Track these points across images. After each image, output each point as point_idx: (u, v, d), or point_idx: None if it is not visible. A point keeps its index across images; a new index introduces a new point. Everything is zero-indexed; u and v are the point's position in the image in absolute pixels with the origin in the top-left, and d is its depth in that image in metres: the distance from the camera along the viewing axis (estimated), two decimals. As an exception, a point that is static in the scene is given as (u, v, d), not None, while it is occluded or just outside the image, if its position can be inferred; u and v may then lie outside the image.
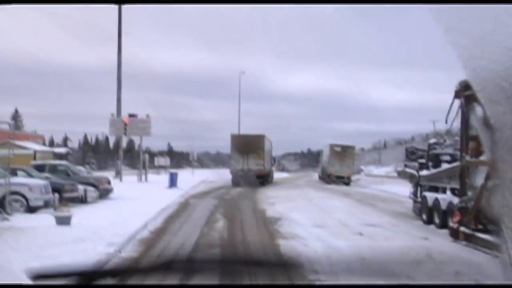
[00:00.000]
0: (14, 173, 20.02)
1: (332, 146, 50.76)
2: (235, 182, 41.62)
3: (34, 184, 18.80)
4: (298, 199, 26.65)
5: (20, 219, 15.37)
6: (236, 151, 43.16)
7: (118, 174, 43.78)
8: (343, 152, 49.88)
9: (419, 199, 18.74)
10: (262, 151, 43.33)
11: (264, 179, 43.17)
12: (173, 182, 35.31)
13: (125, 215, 17.00)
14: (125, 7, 43.24)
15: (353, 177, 50.85)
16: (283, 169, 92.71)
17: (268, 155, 46.45)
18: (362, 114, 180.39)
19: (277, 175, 55.94)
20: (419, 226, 16.53)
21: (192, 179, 46.79)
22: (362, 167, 73.19)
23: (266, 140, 45.56)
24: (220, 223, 16.80)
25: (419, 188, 19.16)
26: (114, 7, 43.29)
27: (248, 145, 42.39)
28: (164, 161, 66.81)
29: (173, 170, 43.05)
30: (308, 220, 17.13)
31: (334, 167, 49.29)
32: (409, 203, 20.56)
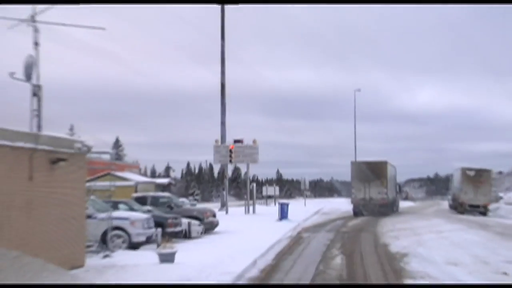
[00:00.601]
0: (115, 206, 20.74)
1: (464, 170, 48.86)
2: (356, 212, 42.45)
3: (136, 218, 19.13)
4: (426, 232, 25.76)
5: (122, 256, 15.91)
6: (357, 179, 43.38)
7: (224, 206, 44.52)
8: (478, 177, 47.85)
9: None
10: (385, 179, 43.10)
11: (387, 209, 43.11)
12: (283, 214, 35.19)
13: (232, 251, 17.18)
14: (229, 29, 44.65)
15: (491, 206, 48.52)
16: (406, 197, 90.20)
17: (391, 183, 46.28)
18: (498, 132, 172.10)
19: (401, 204, 54.70)
20: None
21: (304, 210, 46.74)
22: (501, 194, 69.72)
23: (389, 166, 45.28)
24: (338, 260, 16.50)
25: None
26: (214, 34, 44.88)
27: (369, 173, 42.74)
28: (273, 190, 67.05)
29: (283, 201, 43.03)
30: (439, 256, 16.47)
31: (467, 195, 47.44)
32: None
